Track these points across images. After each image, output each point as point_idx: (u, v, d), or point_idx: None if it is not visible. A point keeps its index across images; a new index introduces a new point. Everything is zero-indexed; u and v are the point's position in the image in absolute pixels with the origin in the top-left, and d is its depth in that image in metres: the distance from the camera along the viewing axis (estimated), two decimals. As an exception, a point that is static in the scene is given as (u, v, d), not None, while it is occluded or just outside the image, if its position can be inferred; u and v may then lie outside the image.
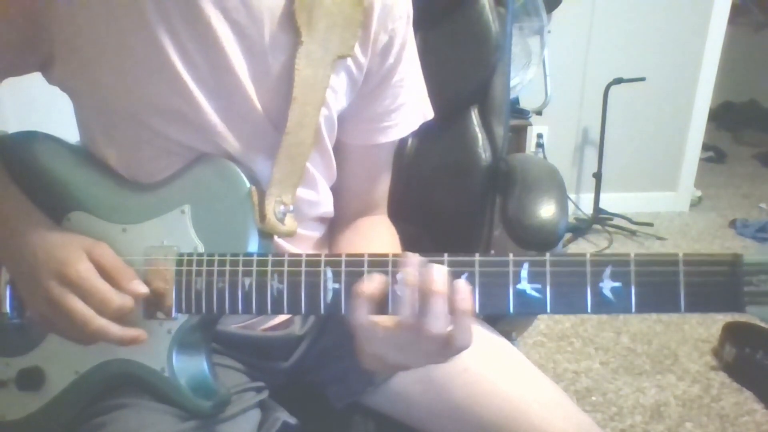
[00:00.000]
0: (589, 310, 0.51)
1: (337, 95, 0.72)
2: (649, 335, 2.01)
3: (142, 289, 0.62)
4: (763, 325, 1.94)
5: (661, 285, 0.49)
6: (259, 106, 0.67)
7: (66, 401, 0.68)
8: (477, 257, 0.54)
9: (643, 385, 1.77)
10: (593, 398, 1.72)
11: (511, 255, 0.53)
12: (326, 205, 0.81)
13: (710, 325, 2.05)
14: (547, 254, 0.53)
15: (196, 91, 0.64)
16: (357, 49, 0.71)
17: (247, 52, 0.65)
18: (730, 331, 1.88)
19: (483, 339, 0.79)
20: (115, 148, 0.70)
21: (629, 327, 2.06)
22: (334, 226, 0.85)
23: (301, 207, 0.73)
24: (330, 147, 0.76)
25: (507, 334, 0.84)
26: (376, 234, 0.81)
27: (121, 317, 0.61)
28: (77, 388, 0.68)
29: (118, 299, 0.60)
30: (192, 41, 0.63)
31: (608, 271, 0.50)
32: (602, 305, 0.51)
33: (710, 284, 0.48)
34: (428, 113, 0.83)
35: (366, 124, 0.77)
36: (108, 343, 0.63)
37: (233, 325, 0.77)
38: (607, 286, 0.50)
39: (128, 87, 0.64)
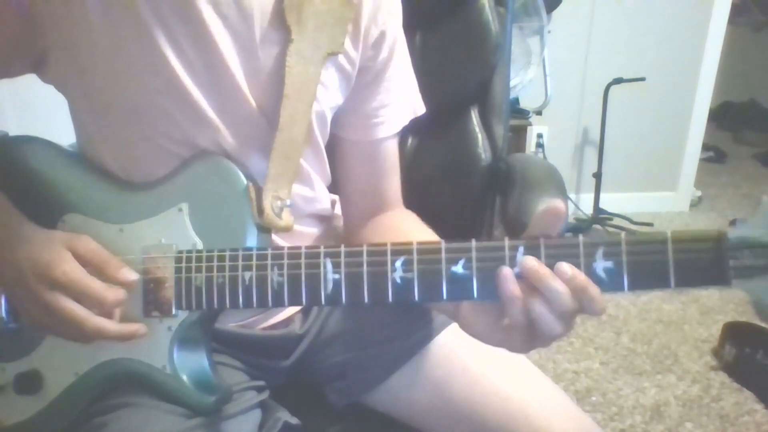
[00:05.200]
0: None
1: (329, 91, 0.72)
2: (649, 335, 2.01)
3: (132, 276, 0.62)
4: (762, 324, 1.95)
5: (651, 263, 0.51)
6: (252, 101, 0.68)
7: (65, 403, 0.68)
8: (473, 243, 0.55)
9: (643, 385, 1.77)
10: (593, 398, 1.72)
11: (506, 239, 0.54)
12: (322, 202, 0.81)
13: (710, 325, 2.05)
14: (541, 237, 0.53)
15: (190, 85, 0.65)
16: (348, 45, 0.71)
17: (239, 47, 0.66)
18: (730, 331, 1.88)
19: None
20: (110, 147, 0.70)
21: (629, 327, 2.06)
22: (350, 228, 0.85)
23: (297, 203, 0.73)
24: (322, 144, 0.77)
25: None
26: (409, 226, 0.80)
27: (117, 311, 0.61)
28: (76, 390, 0.67)
29: (111, 294, 0.60)
30: (184, 36, 0.63)
31: (600, 251, 0.52)
32: (597, 284, 0.52)
33: (697, 260, 0.50)
34: (419, 109, 0.83)
35: (363, 119, 0.78)
36: (108, 343, 0.63)
37: (232, 323, 0.77)
38: (600, 266, 0.52)
39: (121, 82, 0.64)
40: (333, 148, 0.80)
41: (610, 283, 0.52)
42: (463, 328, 0.63)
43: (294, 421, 0.75)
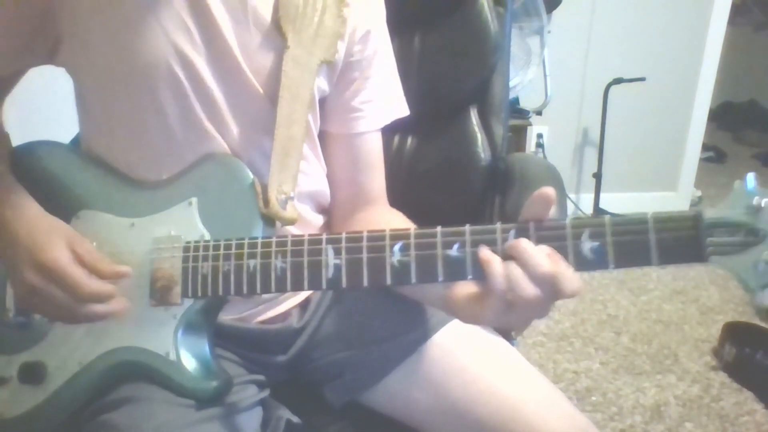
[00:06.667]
0: (573, 268, 0.55)
1: (319, 79, 0.75)
2: (649, 335, 2.01)
3: (125, 268, 0.65)
4: (762, 324, 1.95)
5: (634, 242, 0.53)
6: (258, 85, 0.71)
7: (68, 394, 0.69)
8: (467, 227, 0.57)
9: (643, 385, 1.77)
10: (593, 398, 1.72)
11: (498, 223, 0.57)
12: (320, 182, 0.82)
13: (710, 325, 2.05)
14: (531, 221, 0.56)
15: (200, 64, 0.68)
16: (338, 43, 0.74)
17: (240, 38, 0.69)
18: (730, 331, 1.88)
19: (481, 338, 0.79)
20: (119, 135, 0.72)
21: (629, 327, 2.06)
22: (335, 222, 0.86)
23: (297, 181, 0.75)
24: (314, 129, 0.79)
25: (506, 334, 0.84)
26: (393, 222, 0.81)
27: (100, 300, 0.63)
28: (80, 380, 0.68)
29: (91, 284, 0.63)
30: (189, 16, 0.66)
31: (587, 232, 0.54)
32: (584, 264, 0.54)
33: (677, 239, 0.53)
34: (401, 111, 0.85)
35: (346, 113, 0.80)
36: (112, 332, 0.66)
37: (228, 317, 0.77)
38: (587, 246, 0.54)
39: (130, 59, 0.67)
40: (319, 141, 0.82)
41: (597, 262, 0.54)
42: (445, 309, 0.64)
43: (296, 420, 0.75)
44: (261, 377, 0.78)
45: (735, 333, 1.86)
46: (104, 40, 0.66)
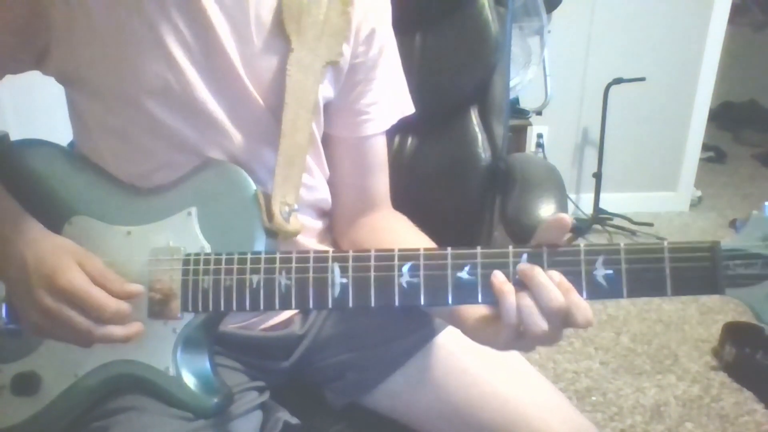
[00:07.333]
0: (584, 295, 0.54)
1: (323, 83, 0.73)
2: (649, 335, 2.01)
3: (137, 288, 0.63)
4: (762, 325, 1.95)
5: (649, 271, 0.53)
6: (258, 97, 0.69)
7: (64, 405, 0.68)
8: (479, 249, 0.56)
9: (643, 385, 1.77)
10: (593, 398, 1.72)
11: (510, 246, 0.56)
12: (322, 192, 0.81)
13: (710, 325, 2.05)
14: (544, 245, 0.55)
15: (192, 74, 0.65)
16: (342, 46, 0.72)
17: (241, 46, 0.67)
18: (730, 331, 1.88)
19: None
20: (111, 148, 0.70)
21: (629, 327, 2.06)
22: (339, 227, 0.85)
23: (300, 192, 0.74)
24: (318, 135, 0.78)
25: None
26: (398, 227, 0.81)
27: (120, 320, 0.61)
28: (76, 392, 0.67)
29: (113, 303, 0.60)
30: (187, 27, 0.64)
31: (601, 259, 0.54)
32: (596, 291, 0.54)
33: (692, 269, 0.52)
34: (407, 109, 0.84)
35: (352, 116, 0.79)
36: (109, 345, 0.63)
37: (232, 325, 0.77)
38: (600, 273, 0.54)
39: (121, 66, 0.65)
40: (323, 145, 0.80)
41: (610, 290, 0.53)
42: (453, 325, 0.64)
43: (294, 421, 0.75)
44: (262, 383, 0.77)
45: (735, 333, 1.86)
46: (96, 51, 0.64)
